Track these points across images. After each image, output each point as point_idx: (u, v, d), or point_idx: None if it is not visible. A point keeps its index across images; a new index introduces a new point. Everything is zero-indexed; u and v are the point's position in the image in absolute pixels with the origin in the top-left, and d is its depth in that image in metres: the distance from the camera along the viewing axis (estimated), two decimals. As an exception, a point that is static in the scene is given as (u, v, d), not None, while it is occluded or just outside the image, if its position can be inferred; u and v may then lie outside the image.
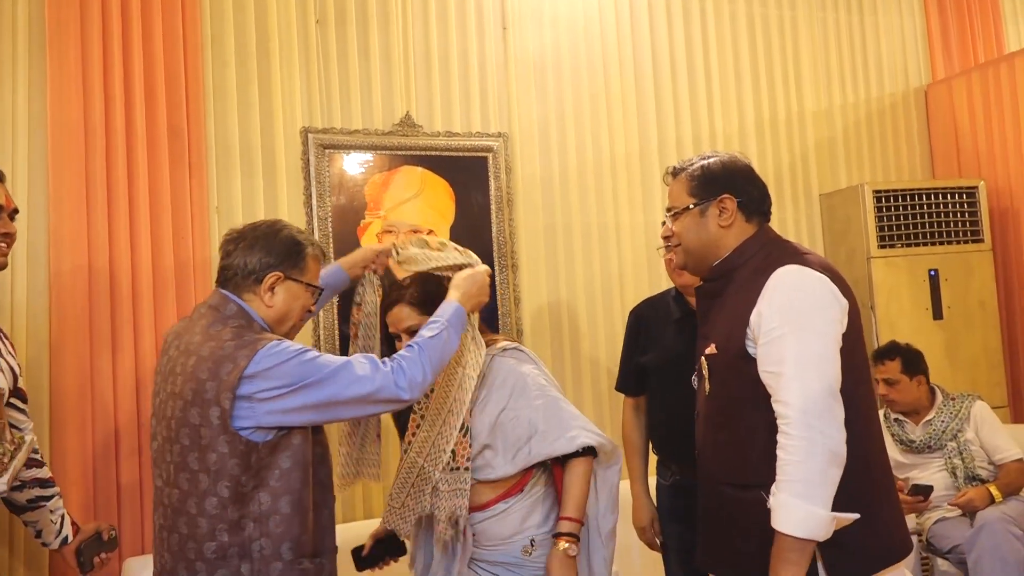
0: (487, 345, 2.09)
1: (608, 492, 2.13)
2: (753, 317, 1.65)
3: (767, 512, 1.57)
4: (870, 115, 4.25)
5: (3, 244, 2.01)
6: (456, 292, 1.94)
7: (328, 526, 1.82)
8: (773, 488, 1.55)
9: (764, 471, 1.59)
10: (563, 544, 1.96)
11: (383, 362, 1.75)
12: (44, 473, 2.18)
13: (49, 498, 2.17)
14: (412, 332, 1.98)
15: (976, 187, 3.98)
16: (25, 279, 2.66)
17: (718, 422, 1.75)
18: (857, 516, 1.53)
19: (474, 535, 2.02)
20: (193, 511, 1.70)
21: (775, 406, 1.58)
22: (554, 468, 2.10)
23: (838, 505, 1.53)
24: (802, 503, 1.49)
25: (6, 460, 1.85)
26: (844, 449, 1.53)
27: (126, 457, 2.68)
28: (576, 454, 2.03)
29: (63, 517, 2.19)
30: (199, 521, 1.69)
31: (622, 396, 2.70)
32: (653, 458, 2.64)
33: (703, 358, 1.79)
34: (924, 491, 3.01)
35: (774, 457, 1.57)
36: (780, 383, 1.57)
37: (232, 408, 1.65)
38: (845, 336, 1.64)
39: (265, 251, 1.81)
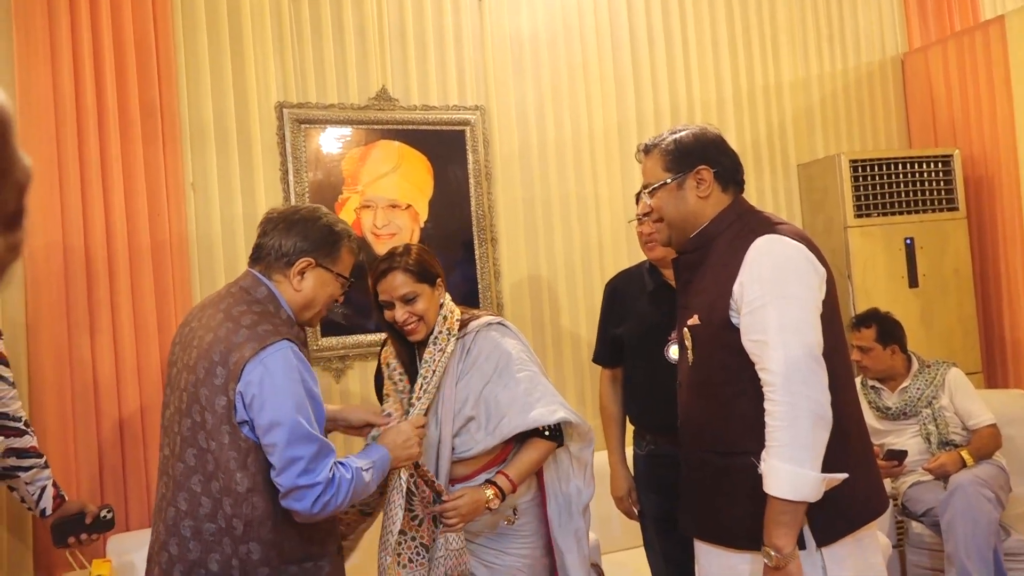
0: (470, 320, 2.11)
1: (582, 470, 2.19)
2: (736, 288, 1.68)
3: (750, 477, 1.61)
4: (847, 85, 4.26)
5: None
6: (386, 441, 1.89)
7: (329, 529, 1.80)
8: (763, 454, 1.59)
9: (747, 438, 1.64)
10: (489, 492, 1.98)
11: (336, 466, 1.69)
12: (24, 443, 2.16)
13: (26, 469, 2.16)
14: (407, 300, 2.00)
15: (951, 156, 4.00)
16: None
17: (702, 392, 1.78)
18: (846, 476, 1.57)
19: None
20: (197, 489, 1.68)
21: (760, 374, 1.62)
22: None
23: (826, 459, 1.57)
24: (791, 466, 1.54)
25: None
26: (829, 411, 1.57)
27: (107, 436, 2.68)
28: (543, 436, 2.07)
29: (43, 489, 2.19)
30: (202, 500, 1.68)
31: (600, 368, 2.73)
32: (630, 428, 2.67)
33: (686, 329, 1.81)
34: (898, 456, 3.07)
35: (757, 424, 1.61)
36: (764, 351, 1.61)
37: (235, 400, 1.64)
38: (823, 304, 1.67)
39: (302, 236, 1.80)
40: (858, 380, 3.41)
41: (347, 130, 3.19)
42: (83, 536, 2.22)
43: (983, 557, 2.81)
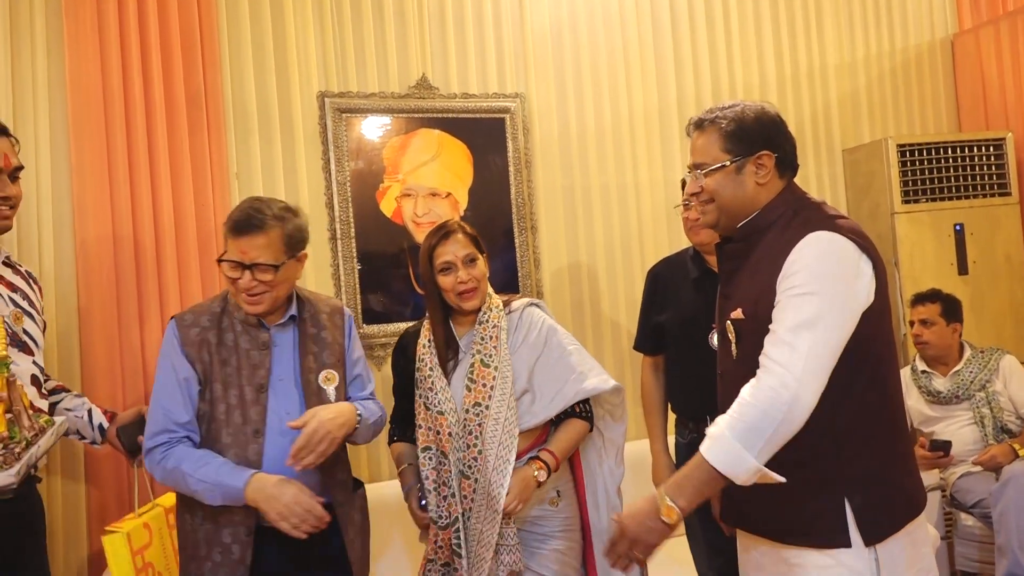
0: (511, 300, 2.19)
1: (615, 451, 2.23)
2: (779, 280, 1.61)
3: (796, 473, 1.56)
4: (894, 67, 4.16)
5: (4, 207, 1.94)
6: (263, 483, 1.82)
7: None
8: (719, 418, 1.54)
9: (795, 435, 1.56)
10: (536, 467, 2.02)
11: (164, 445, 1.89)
12: (50, 385, 2.16)
13: (59, 400, 2.17)
14: (468, 261, 2.08)
15: (1003, 139, 3.89)
16: (52, 247, 2.69)
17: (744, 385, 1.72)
18: (783, 480, 1.50)
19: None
20: None
21: (761, 358, 1.56)
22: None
23: (864, 461, 1.56)
24: (740, 447, 1.49)
25: (18, 450, 1.77)
26: (804, 418, 1.51)
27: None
28: (579, 416, 2.13)
29: (90, 410, 2.19)
30: None
31: (641, 356, 2.71)
32: (672, 417, 2.65)
33: (729, 322, 1.75)
34: (943, 447, 3.01)
35: (806, 422, 1.54)
36: (773, 340, 1.55)
37: None
38: (874, 304, 1.60)
39: None
40: (908, 367, 3.36)
41: (388, 119, 3.20)
42: None
43: (1037, 549, 2.74)
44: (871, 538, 1.58)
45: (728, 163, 1.71)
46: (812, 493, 1.59)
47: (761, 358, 1.56)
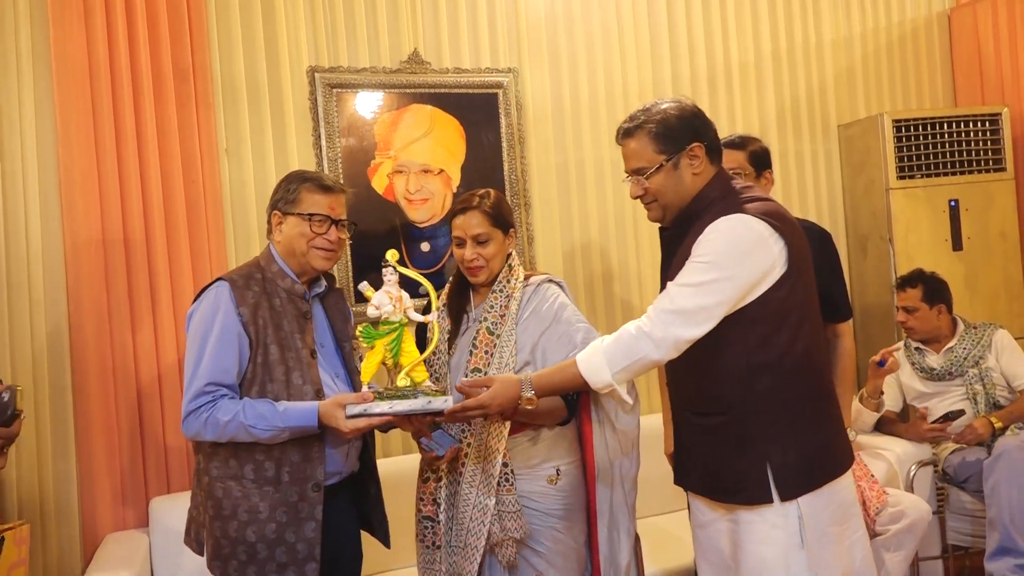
0: (531, 275, 2.20)
1: (629, 443, 2.15)
2: None
3: (729, 435, 1.75)
4: (891, 42, 4.13)
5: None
6: (327, 409, 1.86)
7: (245, 454, 1.95)
8: (605, 337, 1.78)
9: (721, 399, 1.76)
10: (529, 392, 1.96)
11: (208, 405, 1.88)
12: None
13: None
14: (479, 241, 2.09)
15: (999, 114, 3.87)
16: (39, 223, 2.66)
17: (683, 356, 1.82)
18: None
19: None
20: None
21: (649, 308, 1.74)
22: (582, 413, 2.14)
23: (785, 421, 1.72)
24: (604, 363, 1.73)
25: None
26: (662, 362, 1.75)
27: (147, 394, 2.73)
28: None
29: None
30: None
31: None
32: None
33: None
34: (956, 416, 3.05)
35: (728, 386, 1.74)
36: (663, 291, 1.75)
37: None
38: (784, 277, 1.72)
39: (271, 199, 2.07)
40: (901, 343, 3.36)
41: (379, 94, 3.16)
42: None
43: (1028, 523, 2.76)
44: (787, 494, 1.70)
45: (664, 162, 1.81)
46: (738, 453, 1.73)
47: (649, 308, 1.75)
